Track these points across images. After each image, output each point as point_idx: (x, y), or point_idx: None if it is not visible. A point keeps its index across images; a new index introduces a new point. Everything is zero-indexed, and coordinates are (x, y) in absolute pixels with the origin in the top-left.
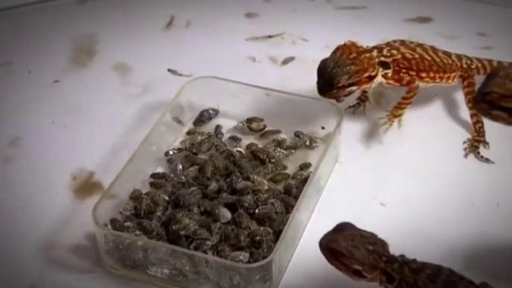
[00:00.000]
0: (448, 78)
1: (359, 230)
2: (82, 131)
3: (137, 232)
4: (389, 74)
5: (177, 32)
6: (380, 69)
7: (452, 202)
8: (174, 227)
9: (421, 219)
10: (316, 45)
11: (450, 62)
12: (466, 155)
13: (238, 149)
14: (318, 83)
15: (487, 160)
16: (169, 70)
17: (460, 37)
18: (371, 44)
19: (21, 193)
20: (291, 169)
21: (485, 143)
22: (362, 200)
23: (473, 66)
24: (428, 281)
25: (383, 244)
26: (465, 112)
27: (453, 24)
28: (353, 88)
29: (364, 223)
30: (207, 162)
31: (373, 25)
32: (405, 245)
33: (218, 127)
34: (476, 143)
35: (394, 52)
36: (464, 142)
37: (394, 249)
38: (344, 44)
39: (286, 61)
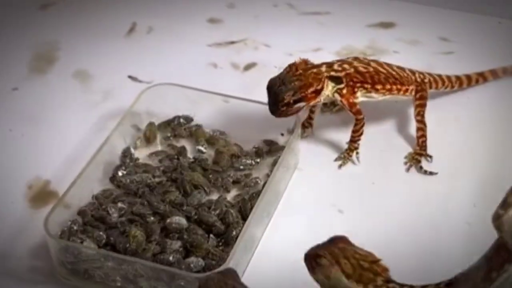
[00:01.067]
0: (406, 90)
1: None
2: (40, 140)
3: (89, 241)
4: (344, 91)
5: (139, 38)
6: (332, 84)
7: (406, 211)
8: (124, 238)
9: (378, 226)
10: (279, 51)
11: (406, 75)
12: (408, 169)
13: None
14: (268, 102)
15: (430, 173)
16: (129, 77)
17: (422, 42)
18: (334, 49)
19: None
20: (249, 177)
21: (428, 156)
22: (320, 206)
23: (426, 80)
24: None
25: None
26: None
27: (415, 29)
28: (301, 104)
29: (321, 230)
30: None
31: (336, 31)
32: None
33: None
34: (417, 156)
35: (346, 66)
36: (405, 157)
37: None
38: (294, 62)
39: (248, 67)
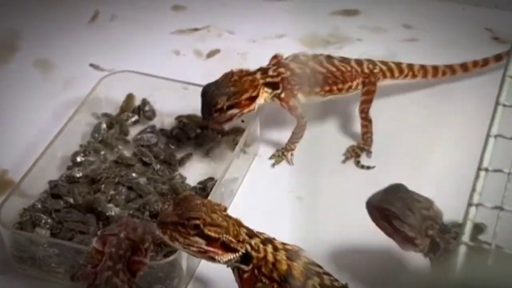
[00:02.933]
0: (349, 87)
1: (414, 193)
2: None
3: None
4: (282, 95)
5: (102, 26)
6: (268, 90)
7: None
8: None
9: (336, 212)
10: (242, 38)
11: (349, 69)
12: (344, 161)
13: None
14: (201, 108)
15: (367, 168)
16: (91, 65)
17: (386, 30)
18: (298, 36)
19: None
20: (209, 164)
21: (369, 152)
22: (278, 193)
23: (376, 71)
24: None
25: (437, 211)
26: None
27: (379, 17)
28: (234, 111)
29: (280, 216)
30: None
31: (300, 18)
32: (321, 238)
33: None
34: (358, 150)
35: (282, 70)
36: (347, 150)
37: (310, 244)
38: (230, 70)
39: (211, 54)
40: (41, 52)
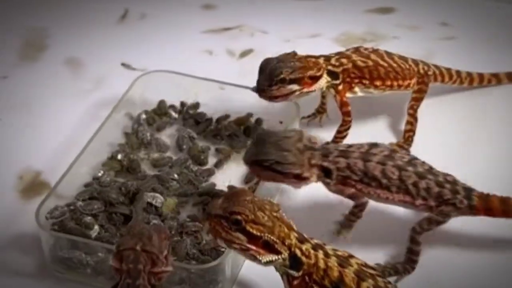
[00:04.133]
0: (408, 85)
1: (280, 131)
2: (30, 129)
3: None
4: (340, 87)
5: (132, 25)
6: (328, 78)
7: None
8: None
9: (370, 217)
10: (276, 38)
11: (408, 67)
12: None
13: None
14: (257, 80)
15: None
16: (122, 64)
17: (423, 28)
18: (332, 35)
19: None
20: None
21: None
22: (321, 196)
23: (430, 73)
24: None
25: (309, 138)
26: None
27: (415, 15)
28: (295, 87)
29: (325, 218)
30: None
31: (334, 17)
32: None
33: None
34: (397, 148)
35: (344, 61)
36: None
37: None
38: (292, 51)
39: (244, 54)
40: (70, 50)
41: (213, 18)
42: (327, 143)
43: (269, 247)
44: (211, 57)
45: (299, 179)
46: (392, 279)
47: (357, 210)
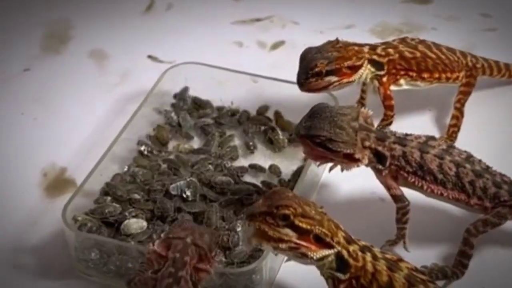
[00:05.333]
0: (456, 78)
1: (337, 107)
2: (54, 124)
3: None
4: (384, 79)
5: (158, 16)
6: (371, 69)
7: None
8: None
9: (420, 213)
10: (308, 29)
11: (456, 59)
12: None
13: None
14: (297, 72)
15: None
16: (149, 56)
17: (462, 19)
18: (367, 26)
19: None
20: (284, 164)
21: None
22: (360, 195)
23: (478, 65)
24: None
25: (366, 116)
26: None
27: (453, 5)
28: (332, 78)
29: (363, 219)
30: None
31: (368, 7)
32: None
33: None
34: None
35: (391, 51)
36: None
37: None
38: (336, 38)
39: (276, 46)
40: (95, 42)
41: (242, 9)
42: (381, 127)
43: (321, 242)
44: (242, 49)
45: (350, 160)
46: (439, 283)
47: (401, 216)
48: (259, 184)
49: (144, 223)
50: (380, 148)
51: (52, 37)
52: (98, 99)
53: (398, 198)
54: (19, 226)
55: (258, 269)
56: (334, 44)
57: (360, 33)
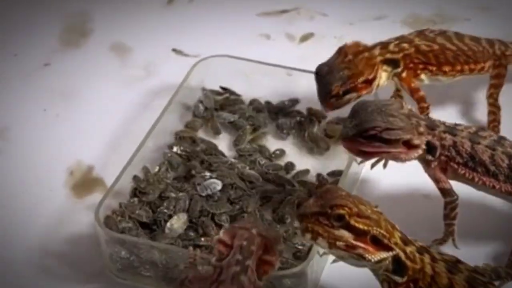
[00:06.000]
0: (482, 69)
1: (378, 100)
2: (78, 120)
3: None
4: (403, 74)
5: (181, 7)
6: (388, 69)
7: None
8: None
9: (465, 211)
10: (337, 21)
11: (481, 49)
12: None
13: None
14: (317, 91)
15: None
16: (173, 50)
17: (497, 9)
18: (399, 17)
19: (9, 192)
20: (321, 160)
21: None
22: (401, 192)
23: (508, 53)
24: None
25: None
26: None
27: None
28: (352, 95)
29: (406, 217)
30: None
31: None
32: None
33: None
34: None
35: (405, 45)
36: None
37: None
38: (345, 45)
39: (304, 38)
40: (116, 35)
41: (267, 0)
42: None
43: (378, 244)
44: (269, 41)
45: (409, 147)
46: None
47: (449, 211)
48: (294, 182)
49: (185, 216)
50: (430, 138)
51: (71, 30)
52: (122, 93)
53: (447, 192)
54: (47, 227)
55: (303, 271)
56: (343, 59)
57: (391, 24)
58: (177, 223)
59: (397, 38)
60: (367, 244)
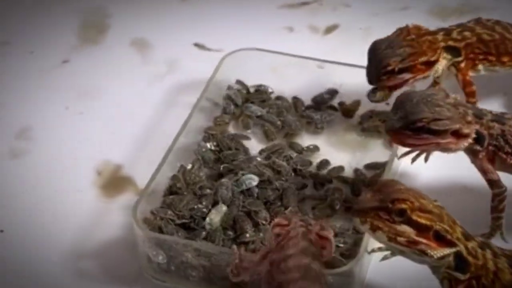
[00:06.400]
0: None
1: (421, 91)
2: (102, 118)
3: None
4: (462, 64)
5: (200, 1)
6: (448, 57)
7: None
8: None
9: None
10: (362, 12)
11: None
12: None
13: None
14: (366, 69)
15: None
16: (195, 44)
17: None
18: (424, 8)
19: (36, 194)
20: (356, 155)
21: None
22: (442, 185)
23: None
24: None
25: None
26: None
27: None
28: (406, 76)
29: (450, 211)
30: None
31: None
32: None
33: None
34: None
35: (467, 34)
36: None
37: None
38: (406, 26)
39: (329, 30)
40: (135, 30)
41: None
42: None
43: (441, 239)
44: (293, 34)
45: (458, 138)
46: None
47: (497, 203)
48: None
49: (224, 208)
50: (477, 127)
51: (89, 26)
52: (145, 90)
53: (495, 184)
54: (79, 229)
55: (351, 270)
56: (405, 36)
57: (416, 14)
58: (216, 216)
59: (458, 26)
60: (430, 240)
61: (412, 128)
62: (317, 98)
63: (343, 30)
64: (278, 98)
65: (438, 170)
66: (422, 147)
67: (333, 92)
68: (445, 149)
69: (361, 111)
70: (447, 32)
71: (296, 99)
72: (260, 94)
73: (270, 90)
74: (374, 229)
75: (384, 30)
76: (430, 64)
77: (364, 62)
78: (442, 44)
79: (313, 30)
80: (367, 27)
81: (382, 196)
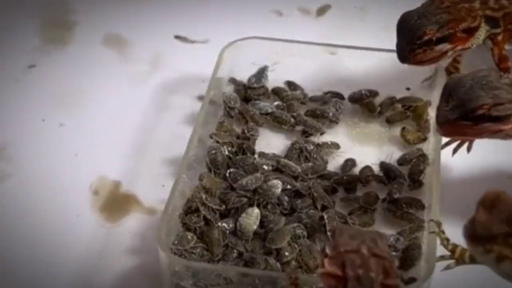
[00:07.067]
0: None
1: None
2: (86, 129)
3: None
4: (499, 37)
5: None
6: (486, 27)
7: None
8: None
9: None
10: None
11: None
12: None
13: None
14: (396, 44)
15: None
16: (176, 37)
17: None
18: None
19: (27, 224)
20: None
21: None
22: (484, 175)
23: None
24: None
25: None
26: None
27: None
28: (445, 46)
29: None
30: None
31: None
32: None
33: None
34: None
35: (505, 2)
36: None
37: None
38: None
39: (321, 11)
40: (106, 26)
41: None
42: None
43: None
44: (282, 18)
45: None
46: None
47: None
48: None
49: (255, 210)
50: None
51: (52, 25)
52: (130, 92)
53: None
54: (83, 261)
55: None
56: (439, 4)
57: None
58: (249, 219)
59: None
60: None
61: (472, 117)
62: (355, 95)
63: (336, 10)
64: (279, 89)
65: (478, 160)
66: (483, 137)
67: (374, 94)
68: (508, 135)
69: (378, 100)
70: (484, 1)
71: (300, 90)
72: (259, 90)
73: (279, 85)
74: (500, 259)
75: (383, 7)
76: (471, 32)
77: (366, 43)
78: (480, 12)
79: (304, 12)
80: (363, 5)
81: (505, 215)
